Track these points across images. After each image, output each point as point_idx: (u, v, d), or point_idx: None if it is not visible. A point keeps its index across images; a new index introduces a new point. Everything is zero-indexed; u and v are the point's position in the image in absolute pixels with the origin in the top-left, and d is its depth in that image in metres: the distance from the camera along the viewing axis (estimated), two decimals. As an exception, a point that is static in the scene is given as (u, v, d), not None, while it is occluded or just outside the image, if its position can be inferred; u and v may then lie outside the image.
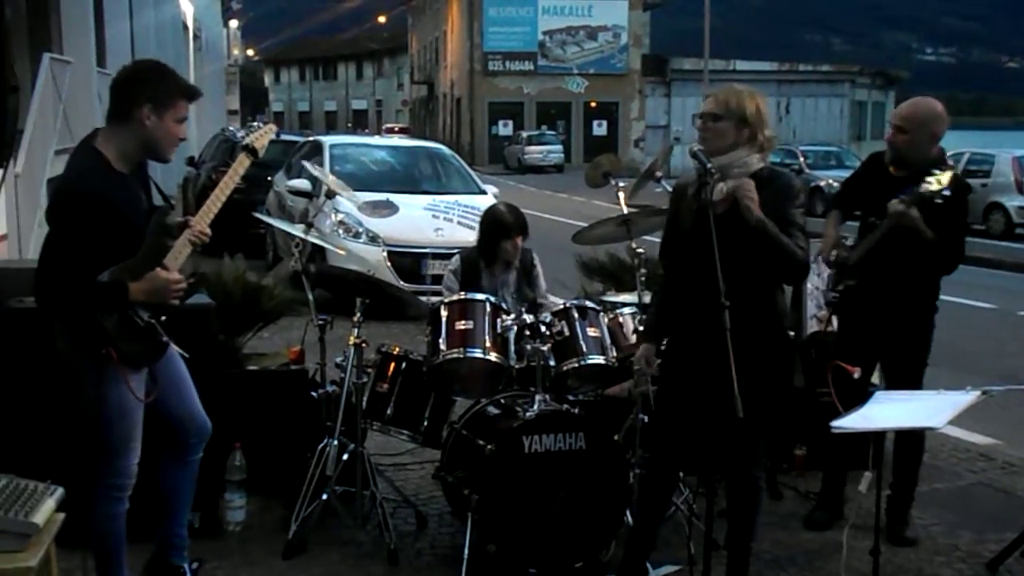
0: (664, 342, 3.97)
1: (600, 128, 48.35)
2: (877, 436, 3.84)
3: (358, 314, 4.60)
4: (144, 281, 3.44)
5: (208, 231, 3.65)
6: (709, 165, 3.48)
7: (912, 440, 4.71)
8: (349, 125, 68.59)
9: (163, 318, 3.55)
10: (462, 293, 4.67)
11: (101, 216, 3.37)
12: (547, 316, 4.52)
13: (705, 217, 3.55)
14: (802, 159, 24.50)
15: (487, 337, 4.39)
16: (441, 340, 4.42)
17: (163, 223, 3.60)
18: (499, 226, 4.93)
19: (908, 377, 4.59)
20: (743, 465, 3.81)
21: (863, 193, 4.84)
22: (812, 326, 5.64)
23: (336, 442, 4.55)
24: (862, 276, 4.64)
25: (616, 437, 4.33)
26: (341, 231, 10.03)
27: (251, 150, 3.95)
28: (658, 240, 4.09)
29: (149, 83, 3.51)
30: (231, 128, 27.16)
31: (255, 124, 4.40)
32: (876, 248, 4.56)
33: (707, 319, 3.61)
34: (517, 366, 4.45)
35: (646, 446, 4.10)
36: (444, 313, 4.48)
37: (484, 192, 11.57)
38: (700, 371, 3.68)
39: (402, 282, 9.30)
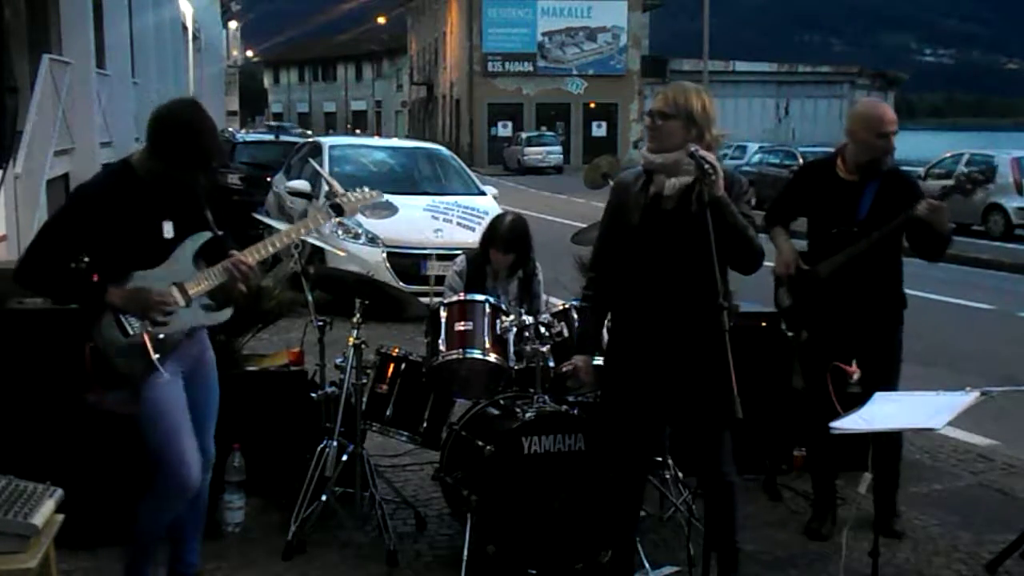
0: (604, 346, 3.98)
1: (599, 129, 48.37)
2: (875, 438, 3.84)
3: (357, 315, 4.60)
4: (127, 289, 3.46)
5: (253, 266, 3.65)
6: (706, 166, 3.49)
7: (889, 433, 4.70)
8: (348, 126, 68.63)
9: (161, 336, 3.51)
10: (462, 294, 4.67)
11: (96, 214, 3.44)
12: (546, 317, 4.52)
13: (655, 214, 3.65)
14: (801, 160, 24.46)
15: (486, 338, 4.39)
16: (441, 341, 4.42)
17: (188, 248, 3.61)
18: (490, 234, 4.92)
19: (885, 376, 4.56)
20: (712, 463, 3.82)
21: (813, 204, 4.80)
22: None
23: (335, 443, 4.55)
24: (831, 285, 4.64)
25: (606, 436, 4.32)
26: (340, 232, 10.02)
27: (336, 208, 3.97)
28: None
29: (161, 138, 3.45)
30: (230, 129, 27.11)
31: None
32: (856, 258, 4.56)
33: (670, 315, 3.63)
34: (516, 367, 4.45)
35: (611, 449, 4.08)
36: (444, 314, 4.48)
37: (483, 193, 11.58)
38: (665, 370, 3.69)
39: (401, 283, 9.30)
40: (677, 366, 3.68)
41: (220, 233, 3.66)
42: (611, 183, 5.26)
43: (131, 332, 3.49)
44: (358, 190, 4.16)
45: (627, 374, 3.82)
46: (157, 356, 3.51)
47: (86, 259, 3.60)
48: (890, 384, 4.54)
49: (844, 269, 4.60)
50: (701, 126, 3.67)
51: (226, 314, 3.79)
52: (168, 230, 3.56)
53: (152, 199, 3.51)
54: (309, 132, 38.12)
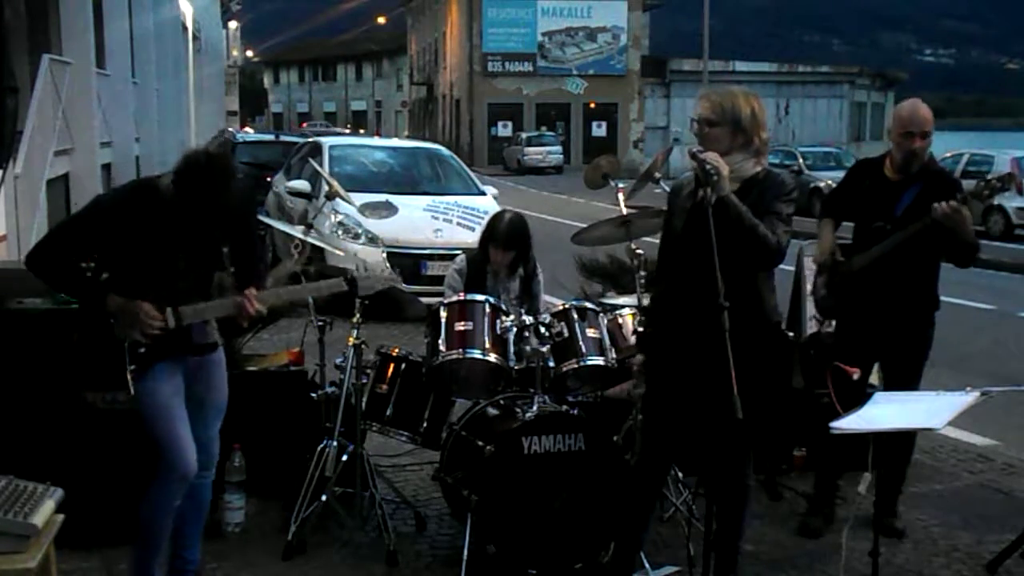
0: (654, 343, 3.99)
1: (599, 129, 48.33)
2: (876, 437, 3.84)
3: (357, 315, 4.60)
4: (124, 300, 3.52)
5: (263, 311, 3.72)
6: (708, 167, 3.48)
7: (903, 434, 4.71)
8: (349, 126, 68.65)
9: (141, 350, 3.55)
10: (462, 294, 4.66)
11: (111, 223, 3.54)
12: (546, 317, 4.52)
13: (697, 218, 3.59)
14: (801, 160, 24.47)
15: (486, 338, 4.39)
16: (440, 341, 4.42)
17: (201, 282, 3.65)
18: (490, 232, 4.93)
19: (908, 377, 4.61)
20: (734, 465, 3.83)
21: (858, 200, 4.83)
22: (811, 327, 5.64)
23: (335, 443, 4.55)
24: (864, 280, 4.66)
25: (616, 438, 4.33)
26: (340, 232, 10.02)
27: (351, 283, 4.03)
28: (658, 241, 4.09)
29: (183, 179, 3.51)
30: (230, 129, 27.08)
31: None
32: (889, 253, 4.58)
33: (700, 319, 3.64)
34: (516, 367, 4.44)
35: (636, 445, 4.11)
36: (444, 314, 4.48)
37: (483, 193, 11.57)
38: (692, 371, 3.69)
39: (401, 283, 9.28)
40: (711, 368, 3.67)
41: (232, 270, 3.71)
42: (611, 183, 5.28)
43: (115, 336, 3.54)
44: (378, 270, 4.23)
45: (663, 373, 3.83)
46: (132, 368, 3.55)
47: (93, 264, 3.65)
48: (911, 385, 4.55)
49: (877, 265, 4.62)
50: (748, 131, 3.65)
51: (213, 337, 3.85)
52: (182, 259, 3.61)
53: (172, 222, 3.56)
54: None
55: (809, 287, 5.46)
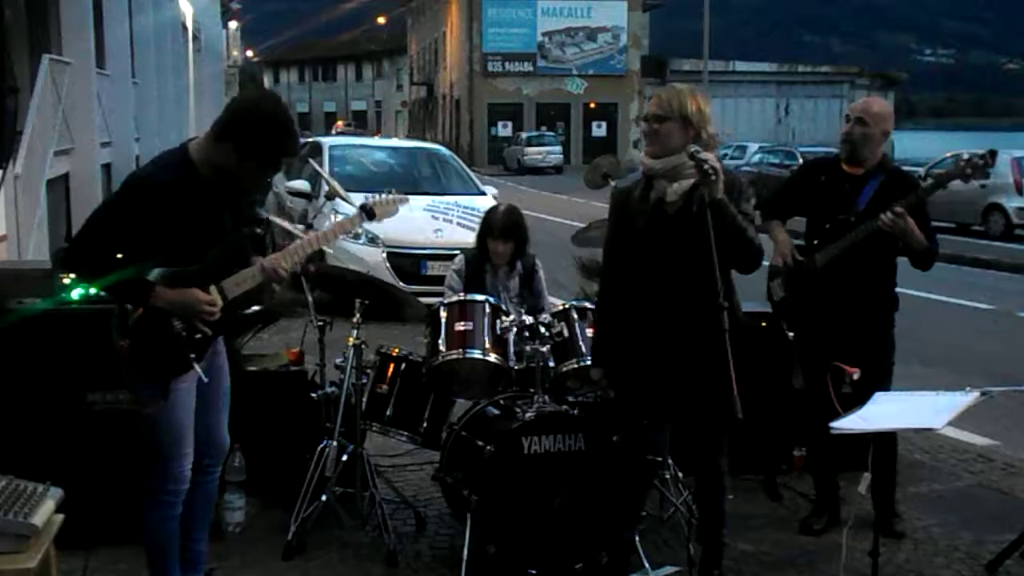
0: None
1: (599, 129, 48.36)
2: (876, 437, 3.84)
3: (357, 315, 4.60)
4: (175, 291, 3.42)
5: (287, 269, 3.65)
6: (707, 167, 3.49)
7: (883, 435, 4.69)
8: (351, 124, 68.65)
9: (197, 336, 3.49)
10: (462, 294, 4.67)
11: (160, 208, 3.35)
12: (546, 317, 4.52)
13: (660, 218, 3.67)
14: (801, 160, 24.48)
15: (487, 338, 4.39)
16: (441, 341, 4.43)
17: (235, 245, 3.57)
18: (487, 225, 4.93)
19: (877, 379, 4.55)
20: (709, 453, 3.88)
21: (814, 197, 4.80)
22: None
23: (335, 443, 4.55)
24: (822, 281, 4.65)
25: (615, 438, 4.32)
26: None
27: (368, 211, 4.00)
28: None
29: (244, 129, 3.37)
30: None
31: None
32: (850, 249, 4.56)
33: (672, 318, 3.66)
34: (517, 367, 4.45)
35: (615, 448, 4.13)
36: (444, 314, 4.48)
37: (483, 193, 11.58)
38: (666, 372, 3.72)
39: (401, 283, 9.30)
40: (680, 366, 3.70)
41: (259, 231, 3.67)
42: (612, 183, 5.27)
43: (170, 331, 3.46)
44: (385, 194, 4.18)
45: (631, 375, 3.84)
46: (193, 356, 3.50)
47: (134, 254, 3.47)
48: (882, 385, 4.53)
49: (838, 262, 4.61)
50: (697, 126, 3.68)
51: (253, 310, 3.84)
52: (224, 224, 3.53)
53: (213, 195, 3.47)
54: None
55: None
